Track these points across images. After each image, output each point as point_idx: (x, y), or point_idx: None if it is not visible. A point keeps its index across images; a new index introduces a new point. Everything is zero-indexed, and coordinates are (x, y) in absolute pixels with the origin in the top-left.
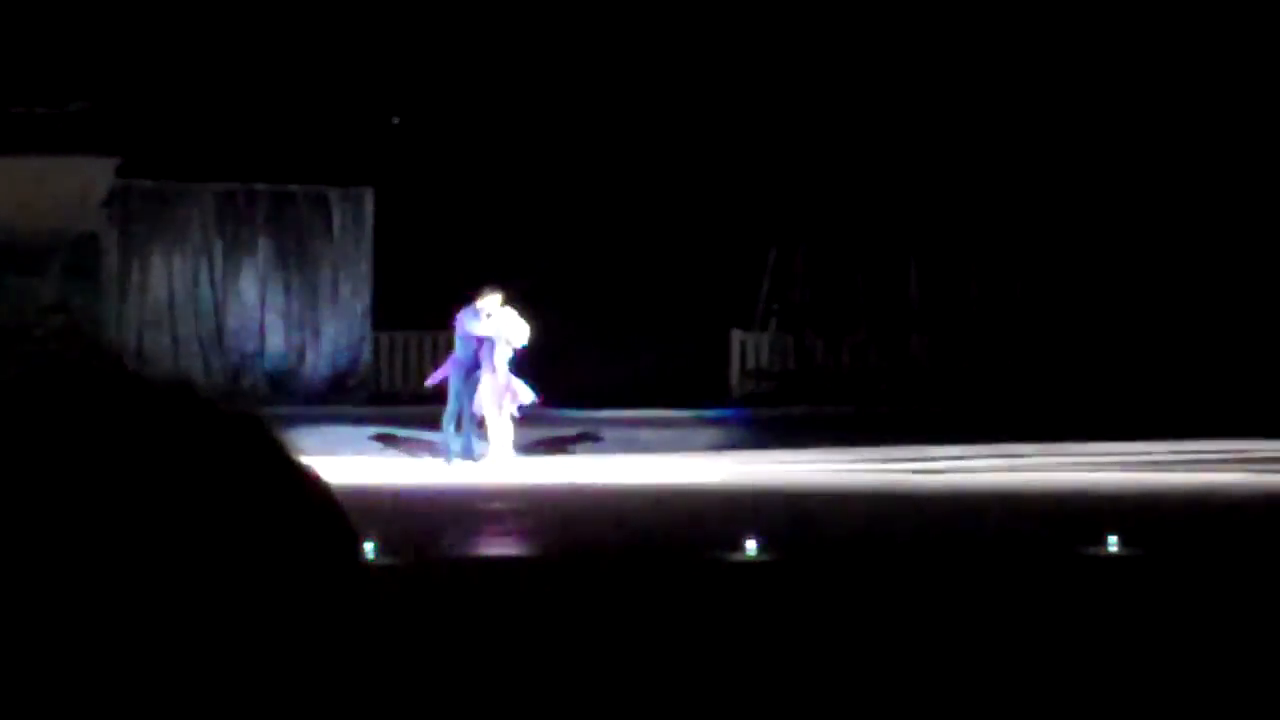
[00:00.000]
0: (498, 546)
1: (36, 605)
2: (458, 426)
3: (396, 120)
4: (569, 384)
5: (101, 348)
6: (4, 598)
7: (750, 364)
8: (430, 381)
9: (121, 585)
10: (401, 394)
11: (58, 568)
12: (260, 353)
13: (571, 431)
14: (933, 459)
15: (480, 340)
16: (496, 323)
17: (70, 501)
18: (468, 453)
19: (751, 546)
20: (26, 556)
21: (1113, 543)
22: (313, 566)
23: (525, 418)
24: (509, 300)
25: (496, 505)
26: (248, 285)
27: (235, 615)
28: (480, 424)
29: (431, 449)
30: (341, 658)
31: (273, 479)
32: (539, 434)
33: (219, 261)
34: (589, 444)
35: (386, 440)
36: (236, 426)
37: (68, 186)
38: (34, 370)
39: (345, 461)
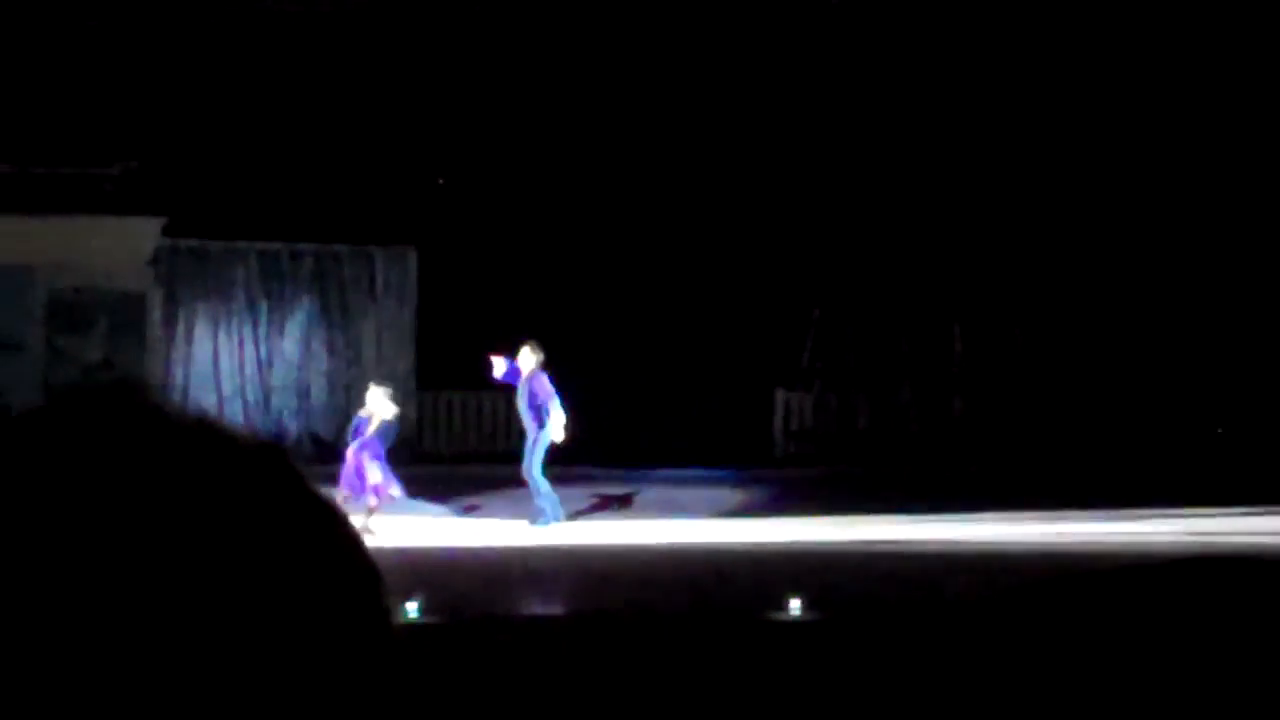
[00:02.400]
0: (543, 606)
1: (42, 628)
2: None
3: (441, 180)
4: (610, 442)
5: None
6: (12, 622)
7: (793, 424)
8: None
9: (130, 617)
10: (445, 453)
11: (65, 594)
12: (304, 411)
13: (615, 492)
14: (975, 519)
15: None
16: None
17: (81, 531)
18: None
19: (796, 606)
20: (35, 582)
21: None
22: (332, 600)
23: (563, 477)
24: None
25: (537, 565)
26: (291, 344)
27: (249, 649)
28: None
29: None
30: (359, 695)
31: (291, 510)
32: (577, 493)
33: (263, 320)
34: (623, 504)
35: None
36: (255, 457)
37: (114, 246)
38: (54, 400)
39: (389, 520)
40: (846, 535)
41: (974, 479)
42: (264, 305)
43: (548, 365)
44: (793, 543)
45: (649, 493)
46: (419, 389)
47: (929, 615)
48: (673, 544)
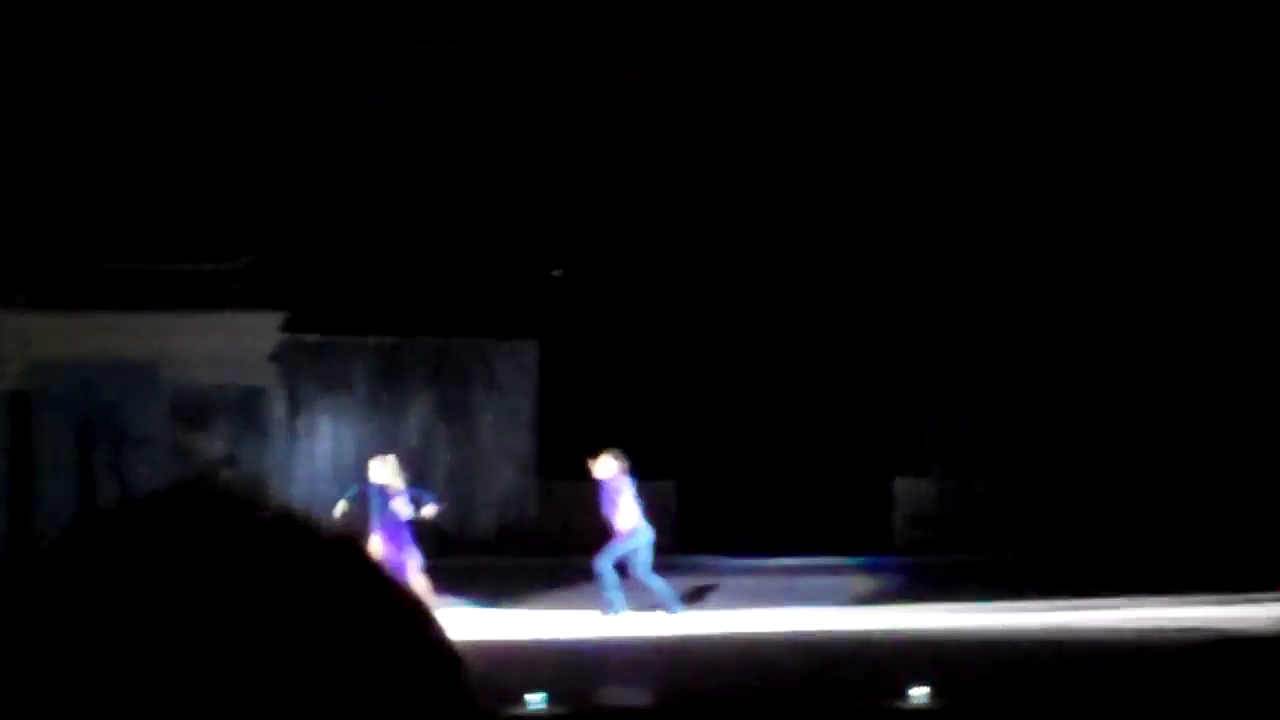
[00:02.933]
0: (667, 696)
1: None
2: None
3: (558, 272)
4: (733, 530)
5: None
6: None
7: (913, 511)
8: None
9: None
10: (569, 544)
11: (148, 688)
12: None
13: (736, 581)
14: (1098, 606)
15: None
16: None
17: (157, 627)
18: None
19: (919, 694)
20: (122, 675)
21: None
22: (413, 691)
23: (686, 566)
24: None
25: (657, 655)
26: (412, 437)
27: None
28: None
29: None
30: None
31: (368, 603)
32: (699, 581)
33: (384, 414)
34: (745, 593)
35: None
36: (332, 551)
37: (236, 341)
38: (137, 498)
39: (513, 613)
40: (969, 623)
41: (1099, 563)
42: (385, 398)
43: (631, 469)
44: (916, 630)
45: (771, 581)
46: (541, 479)
47: (1054, 703)
48: (795, 632)
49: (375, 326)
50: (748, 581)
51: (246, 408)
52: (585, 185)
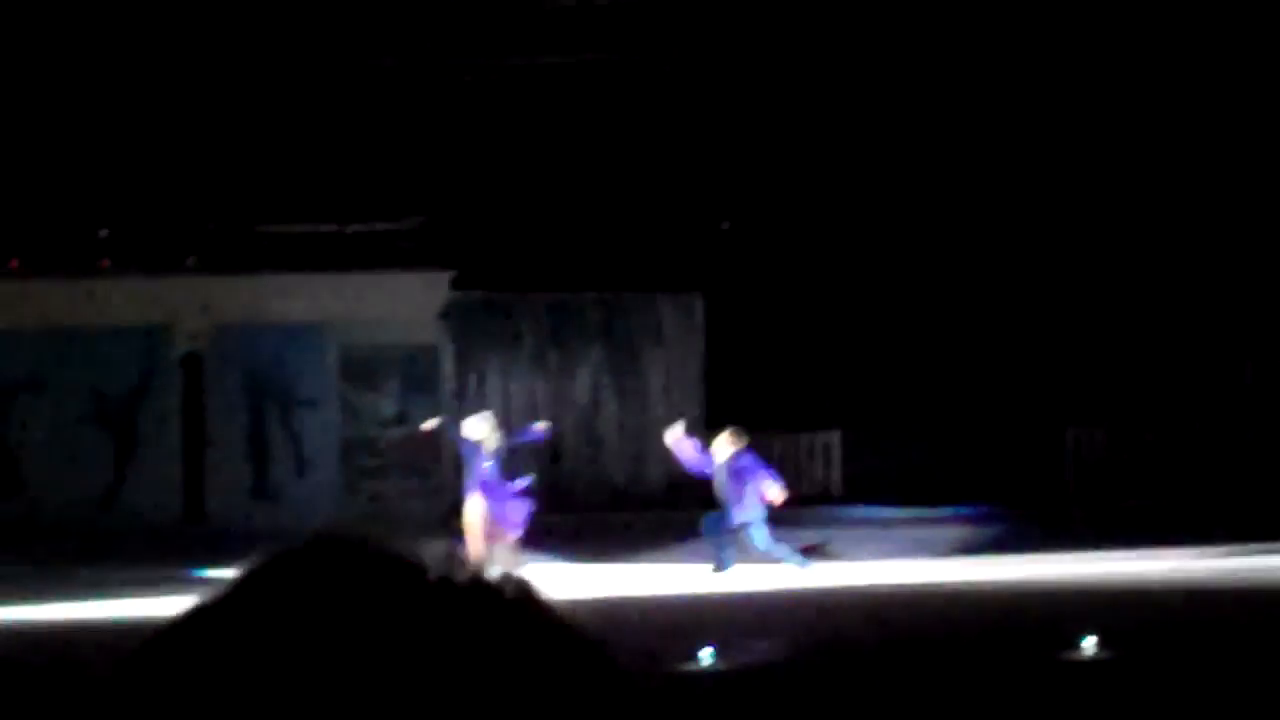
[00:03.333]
0: (837, 648)
1: None
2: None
3: (726, 225)
4: (904, 482)
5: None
6: None
7: (1085, 460)
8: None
9: None
10: None
11: None
12: (595, 459)
13: (909, 532)
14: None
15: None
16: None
17: (317, 683)
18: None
19: (1090, 644)
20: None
21: None
22: None
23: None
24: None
25: (822, 608)
26: (581, 392)
27: None
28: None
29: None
30: None
31: (542, 660)
32: (873, 534)
33: (553, 369)
34: (918, 544)
35: None
36: (506, 611)
37: (405, 301)
38: (288, 551)
39: (685, 569)
40: (1140, 570)
41: (1269, 511)
42: (553, 355)
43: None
44: (1087, 579)
45: (937, 531)
46: (708, 433)
47: (1223, 651)
48: (967, 582)
49: (542, 283)
50: (914, 532)
51: (415, 366)
52: (751, 140)
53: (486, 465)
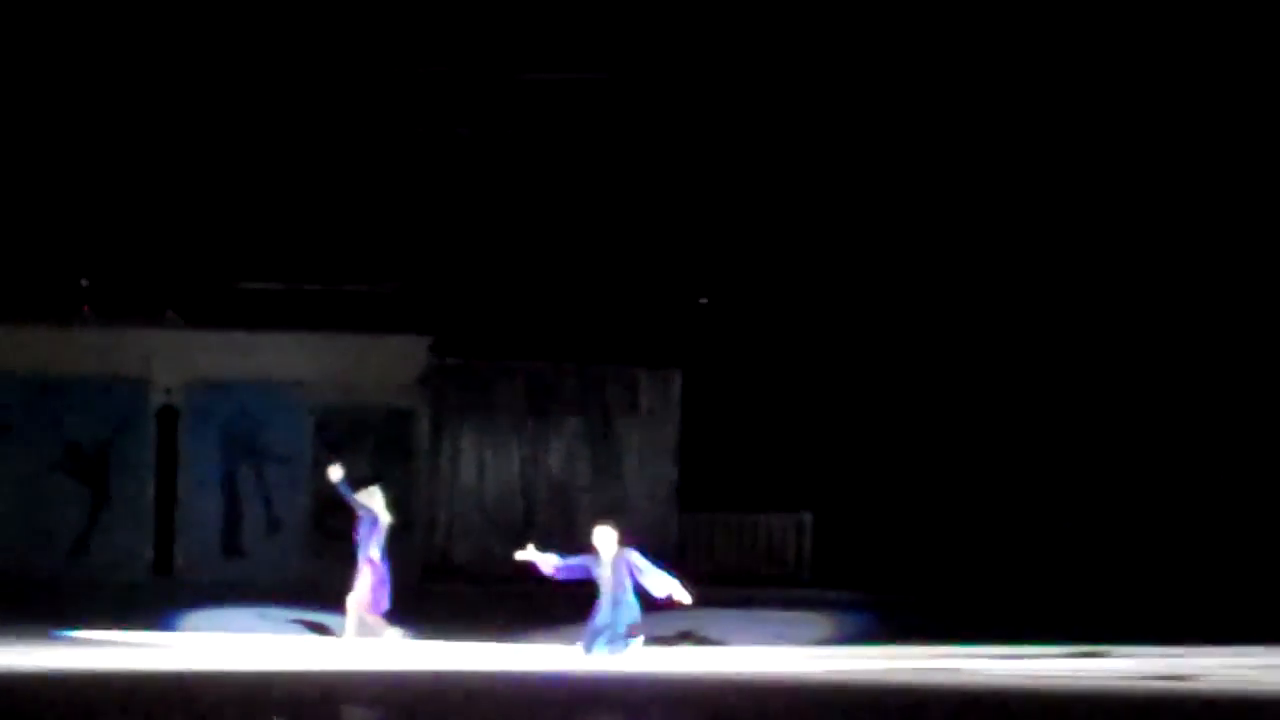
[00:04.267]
0: None
1: None
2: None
3: (704, 301)
4: (864, 564)
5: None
6: None
7: None
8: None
9: None
10: (706, 574)
11: None
12: (569, 530)
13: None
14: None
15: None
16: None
17: None
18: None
19: None
20: None
21: None
22: None
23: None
24: None
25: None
26: (556, 462)
27: None
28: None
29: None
30: None
31: None
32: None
33: (528, 439)
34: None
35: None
36: None
37: (383, 364)
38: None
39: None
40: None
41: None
42: (530, 424)
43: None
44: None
45: (908, 618)
46: (681, 509)
47: None
48: (820, 673)
49: (521, 352)
50: (887, 617)
51: (392, 429)
52: (732, 217)
53: (375, 538)
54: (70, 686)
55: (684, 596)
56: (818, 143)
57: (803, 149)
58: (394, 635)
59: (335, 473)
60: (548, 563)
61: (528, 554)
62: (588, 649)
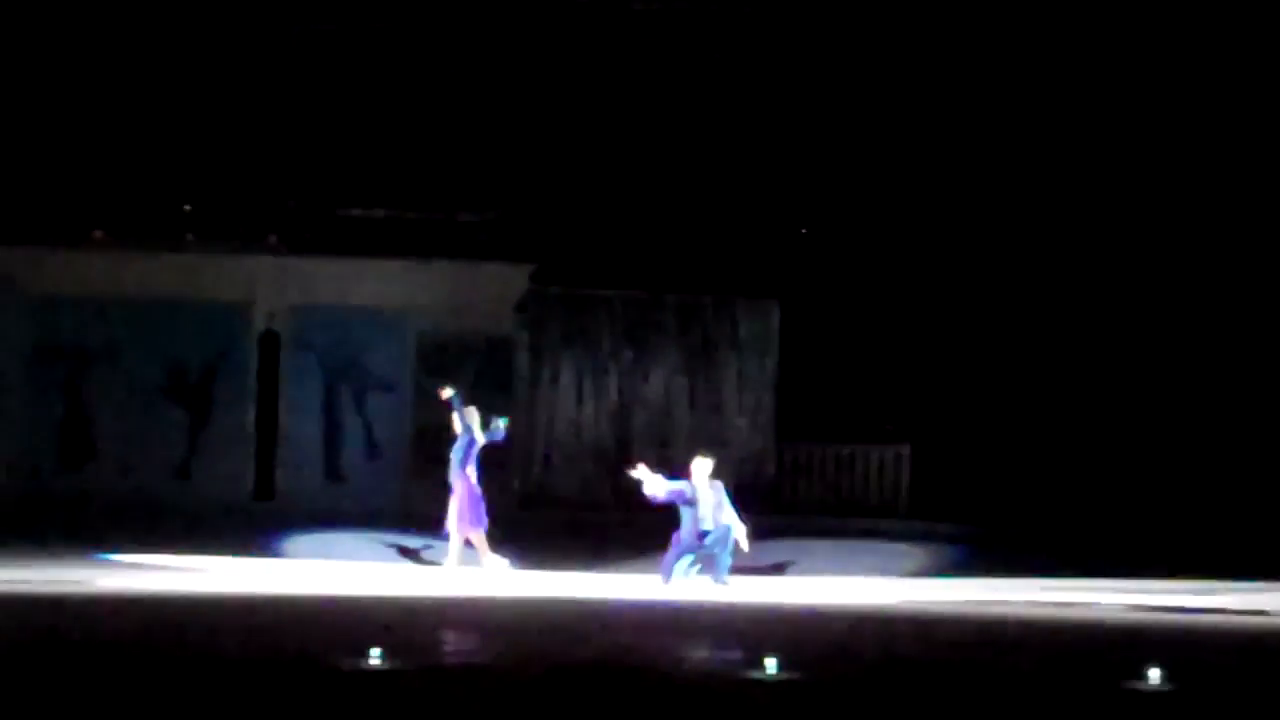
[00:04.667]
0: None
1: None
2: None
3: (804, 230)
4: (962, 497)
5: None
6: None
7: None
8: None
9: None
10: (803, 504)
11: None
12: (663, 460)
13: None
14: None
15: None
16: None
17: None
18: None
19: (1155, 675)
20: None
21: None
22: None
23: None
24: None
25: (893, 623)
26: (653, 392)
27: None
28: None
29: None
30: None
31: None
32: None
33: (626, 368)
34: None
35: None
36: None
37: (483, 291)
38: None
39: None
40: (1198, 602)
41: None
42: (627, 353)
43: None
44: (1144, 607)
45: (999, 550)
46: (779, 440)
47: None
48: (1009, 603)
49: (620, 282)
50: (983, 549)
51: (491, 357)
52: (834, 146)
53: (471, 457)
54: (174, 610)
55: (745, 544)
56: (923, 67)
57: (907, 74)
58: (496, 562)
59: (446, 391)
60: (655, 483)
61: (639, 472)
62: (668, 577)
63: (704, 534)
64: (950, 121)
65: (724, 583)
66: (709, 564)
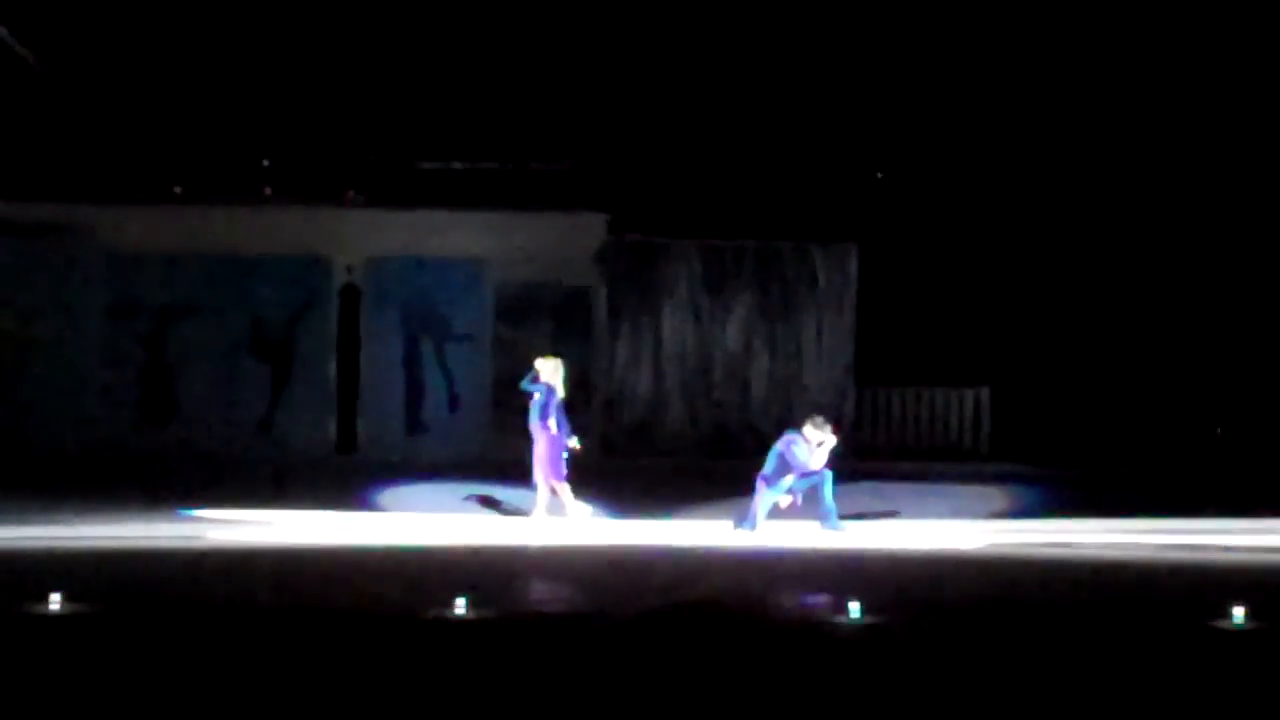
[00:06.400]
0: (975, 601)
1: None
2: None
3: (880, 175)
4: (1042, 439)
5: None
6: None
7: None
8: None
9: None
10: (883, 449)
11: None
12: (744, 406)
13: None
14: None
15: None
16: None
17: None
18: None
19: (1240, 614)
20: None
21: None
22: None
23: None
24: None
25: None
26: (732, 339)
27: None
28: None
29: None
30: None
31: None
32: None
33: (705, 316)
34: (1062, 501)
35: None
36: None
37: (561, 241)
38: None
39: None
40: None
41: None
42: (705, 301)
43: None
44: (1229, 548)
45: (1082, 493)
46: (858, 384)
47: None
48: (1101, 545)
49: (697, 229)
50: (1066, 491)
51: (569, 307)
52: (910, 90)
53: (552, 409)
54: (260, 562)
55: (785, 501)
56: (998, 13)
57: (987, 16)
58: (581, 510)
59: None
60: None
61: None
62: (753, 525)
63: (808, 474)
64: (1029, 65)
65: (839, 528)
66: (823, 514)
